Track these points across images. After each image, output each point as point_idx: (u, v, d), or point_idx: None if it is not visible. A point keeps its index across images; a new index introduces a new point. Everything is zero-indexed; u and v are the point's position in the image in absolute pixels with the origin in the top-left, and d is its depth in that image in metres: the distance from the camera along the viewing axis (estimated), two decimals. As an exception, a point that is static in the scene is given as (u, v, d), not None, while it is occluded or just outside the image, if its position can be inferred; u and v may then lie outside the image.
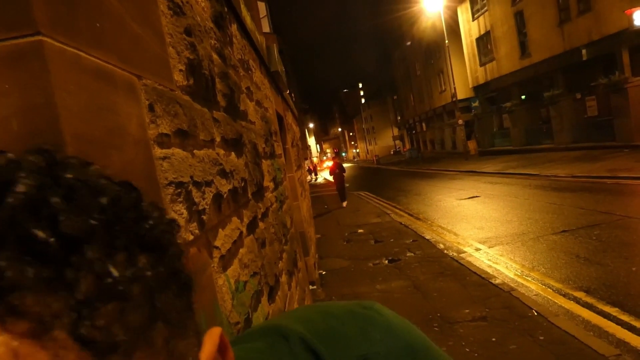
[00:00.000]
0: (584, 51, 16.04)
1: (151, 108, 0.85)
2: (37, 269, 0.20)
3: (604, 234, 5.65)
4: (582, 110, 16.16)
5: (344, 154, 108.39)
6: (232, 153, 1.62)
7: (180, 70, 1.08)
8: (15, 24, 0.49)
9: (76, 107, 0.57)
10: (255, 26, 3.21)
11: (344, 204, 13.43)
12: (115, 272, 0.22)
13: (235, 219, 1.53)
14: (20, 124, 0.51)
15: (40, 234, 0.20)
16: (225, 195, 1.37)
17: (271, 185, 2.71)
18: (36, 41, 0.50)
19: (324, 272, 6.41)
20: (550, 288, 4.38)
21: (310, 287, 5.32)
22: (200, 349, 0.28)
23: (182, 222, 0.94)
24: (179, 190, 0.94)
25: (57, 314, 0.20)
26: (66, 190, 0.23)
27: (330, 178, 14.68)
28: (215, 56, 1.52)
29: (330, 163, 16.21)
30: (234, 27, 2.20)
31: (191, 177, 1.03)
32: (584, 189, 9.04)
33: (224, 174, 1.38)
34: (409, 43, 36.71)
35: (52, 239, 0.21)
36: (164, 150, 0.89)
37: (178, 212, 0.93)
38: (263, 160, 2.47)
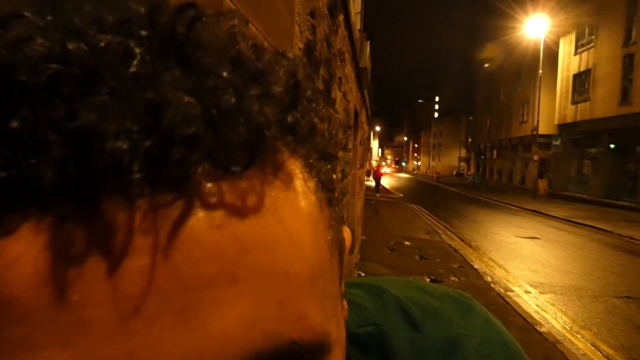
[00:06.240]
0: (695, 110, 14.55)
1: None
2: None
3: (674, 311, 5.15)
4: (678, 174, 14.71)
5: (404, 164, 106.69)
6: (318, 137, 1.67)
7: (300, 48, 1.14)
8: None
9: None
10: (356, 20, 3.26)
11: (378, 195, 20.08)
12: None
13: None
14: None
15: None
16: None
17: (339, 176, 2.76)
18: None
19: (362, 274, 6.41)
20: (600, 351, 4.08)
21: (348, 285, 5.34)
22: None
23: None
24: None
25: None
26: None
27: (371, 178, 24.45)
28: (324, 41, 1.58)
29: (385, 169, 24.72)
30: (340, 18, 2.25)
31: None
32: (661, 258, 8.25)
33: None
34: (499, 62, 35.17)
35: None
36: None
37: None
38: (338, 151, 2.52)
